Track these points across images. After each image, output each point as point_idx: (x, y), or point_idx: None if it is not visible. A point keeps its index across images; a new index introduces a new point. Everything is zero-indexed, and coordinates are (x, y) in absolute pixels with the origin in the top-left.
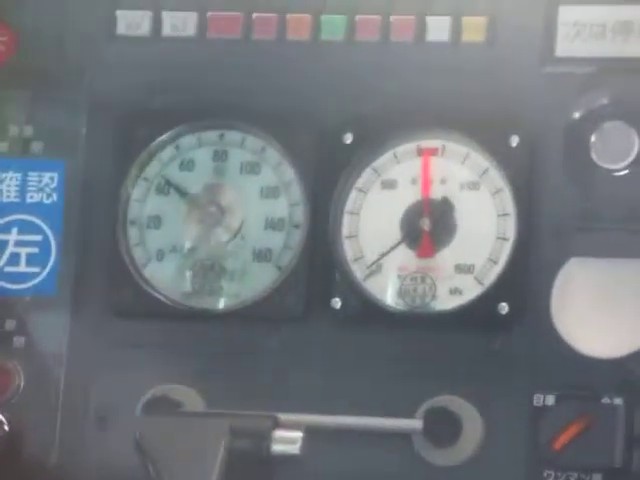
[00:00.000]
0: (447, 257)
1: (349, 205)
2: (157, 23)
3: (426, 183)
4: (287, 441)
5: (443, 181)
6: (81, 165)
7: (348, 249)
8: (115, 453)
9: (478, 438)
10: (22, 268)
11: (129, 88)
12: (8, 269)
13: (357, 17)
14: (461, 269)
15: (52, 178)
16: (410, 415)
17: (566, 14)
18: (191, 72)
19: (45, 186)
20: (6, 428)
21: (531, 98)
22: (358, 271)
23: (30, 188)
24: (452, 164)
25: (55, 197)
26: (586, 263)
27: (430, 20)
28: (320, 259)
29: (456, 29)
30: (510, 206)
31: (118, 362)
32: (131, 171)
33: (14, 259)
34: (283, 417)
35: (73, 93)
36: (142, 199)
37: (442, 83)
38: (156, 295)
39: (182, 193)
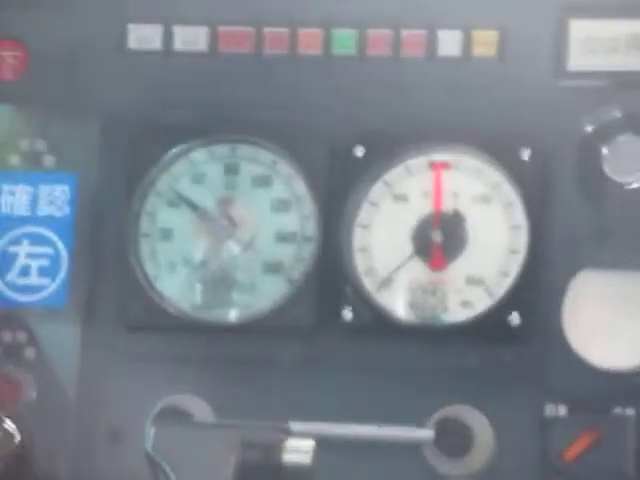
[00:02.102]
0: (458, 270)
1: (360, 218)
2: (168, 37)
3: (438, 196)
4: (299, 451)
5: (455, 194)
6: (93, 178)
7: (359, 262)
8: (127, 465)
9: (489, 449)
10: (33, 280)
11: (141, 102)
12: (19, 281)
13: (368, 32)
14: (472, 281)
15: (64, 191)
16: (421, 425)
17: (578, 28)
18: (203, 86)
19: (56, 199)
20: (17, 439)
21: (543, 112)
22: (369, 284)
23: (41, 201)
24: (464, 178)
25: (67, 210)
26: (598, 275)
27: (441, 34)
28: (331, 272)
29: (467, 43)
30: (522, 219)
31: (129, 375)
32: (143, 185)
33: (25, 271)
34: (294, 427)
35: (85, 107)
36: (154, 212)
37: (454, 97)
38: (167, 308)
39: (193, 207)
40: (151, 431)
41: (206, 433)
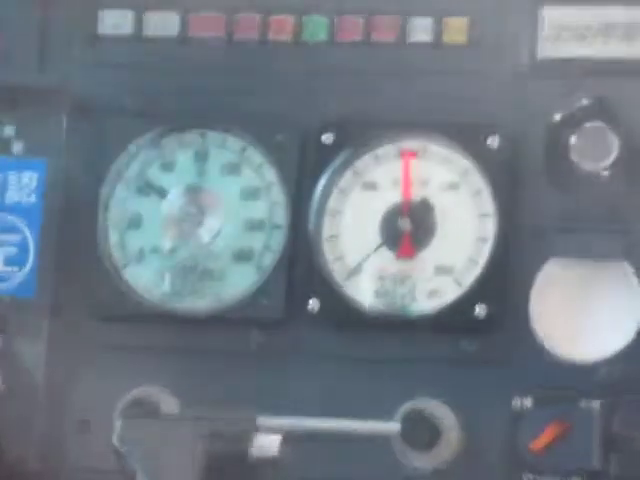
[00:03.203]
0: (427, 258)
1: (330, 206)
2: (139, 23)
3: (407, 185)
4: (265, 444)
5: (423, 183)
6: (62, 165)
7: (328, 250)
8: (94, 456)
9: (456, 441)
10: (0, 268)
11: (110, 88)
12: None
13: (339, 18)
14: (441, 270)
15: (32, 178)
16: (388, 418)
17: (548, 15)
18: (173, 73)
19: (25, 186)
20: None
21: (511, 99)
22: (338, 272)
23: (10, 188)
24: (432, 165)
25: (34, 197)
26: (565, 264)
27: (412, 21)
28: (300, 261)
29: (438, 30)
30: (490, 207)
31: (97, 364)
32: (112, 172)
33: None
34: (262, 420)
35: (54, 93)
36: (122, 200)
37: (423, 84)
38: (136, 297)
39: (162, 194)
40: (118, 423)
41: (173, 425)
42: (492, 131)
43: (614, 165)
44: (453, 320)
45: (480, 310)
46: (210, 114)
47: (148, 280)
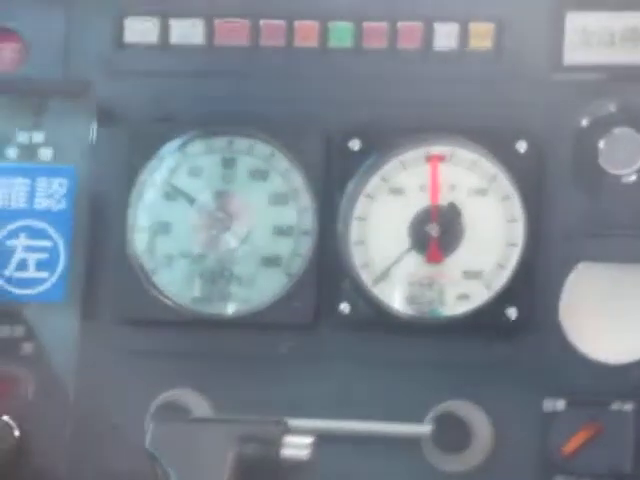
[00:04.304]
0: (455, 263)
1: (357, 212)
2: (165, 31)
3: (434, 190)
4: (297, 446)
5: (451, 187)
6: (90, 171)
7: (356, 255)
8: (126, 460)
9: (488, 444)
10: (30, 273)
11: (138, 95)
12: (17, 275)
13: (365, 24)
14: (469, 275)
15: (61, 184)
16: (419, 421)
17: (573, 21)
18: (199, 79)
19: (54, 192)
20: (17, 434)
21: (539, 105)
22: (366, 277)
23: (39, 194)
24: (460, 170)
25: (64, 203)
26: (595, 268)
27: (437, 27)
28: (329, 266)
29: (463, 36)
30: (518, 212)
31: (128, 369)
32: (140, 178)
33: (23, 265)
34: (293, 423)
35: (82, 100)
36: (151, 206)
37: (450, 90)
38: (165, 301)
39: (190, 200)
40: (150, 427)
41: (205, 429)
42: (520, 136)
43: None
44: (484, 323)
45: (511, 313)
46: (237, 121)
47: (177, 285)
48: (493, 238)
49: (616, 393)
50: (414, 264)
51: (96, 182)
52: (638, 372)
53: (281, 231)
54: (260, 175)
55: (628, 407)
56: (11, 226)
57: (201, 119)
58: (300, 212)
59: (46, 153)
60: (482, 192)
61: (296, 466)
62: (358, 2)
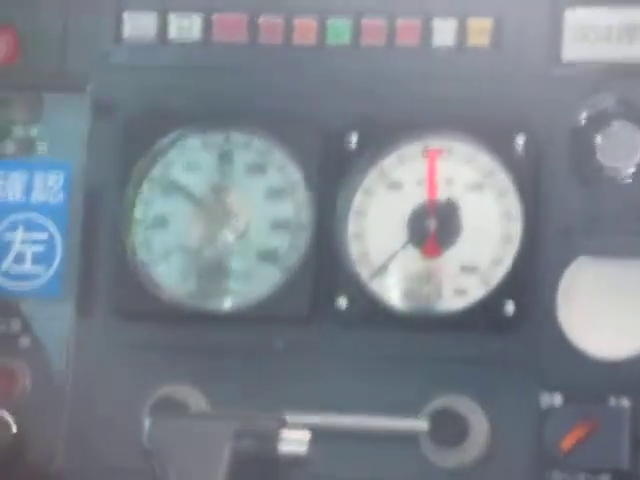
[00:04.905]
0: (452, 258)
1: (355, 206)
2: (163, 26)
3: (432, 184)
4: (294, 442)
5: (448, 182)
6: (87, 165)
7: (354, 250)
8: (121, 455)
9: (484, 439)
10: (27, 267)
11: (135, 89)
12: (14, 269)
13: (363, 21)
14: (467, 270)
15: (58, 178)
16: (416, 415)
17: (572, 17)
18: (197, 74)
19: (51, 186)
20: (14, 429)
21: (537, 100)
22: (364, 271)
23: (36, 188)
24: (458, 165)
25: (61, 197)
26: (592, 263)
27: (435, 23)
28: (326, 260)
29: (462, 32)
30: (516, 207)
31: (124, 363)
32: (137, 172)
33: (20, 258)
34: (290, 417)
35: (79, 94)
36: (148, 200)
37: (448, 86)
38: (162, 296)
39: (187, 194)
40: (147, 421)
41: (201, 423)
42: (517, 131)
43: None
44: (481, 317)
45: (508, 308)
46: (234, 115)
47: (174, 279)
48: (490, 233)
49: (613, 389)
50: (411, 259)
51: (92, 176)
52: (635, 368)
53: (278, 225)
54: (257, 170)
55: (625, 403)
56: (8, 220)
57: (198, 114)
58: (297, 207)
59: (43, 147)
60: (479, 187)
61: (293, 461)
62: None
